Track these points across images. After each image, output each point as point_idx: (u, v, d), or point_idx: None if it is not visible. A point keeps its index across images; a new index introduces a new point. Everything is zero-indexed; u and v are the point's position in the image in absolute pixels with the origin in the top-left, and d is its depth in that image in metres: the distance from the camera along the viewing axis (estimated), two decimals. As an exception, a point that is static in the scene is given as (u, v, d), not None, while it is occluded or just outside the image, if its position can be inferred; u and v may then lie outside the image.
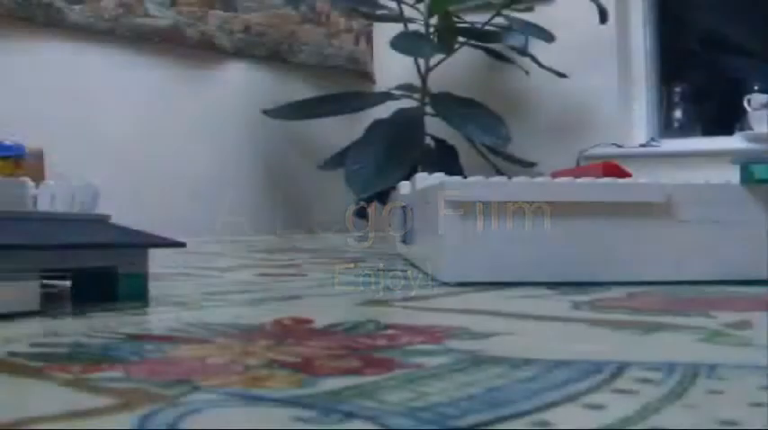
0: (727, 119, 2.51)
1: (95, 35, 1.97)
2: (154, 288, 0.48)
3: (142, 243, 0.41)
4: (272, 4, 2.33)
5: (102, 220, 0.42)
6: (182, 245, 0.45)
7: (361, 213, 2.18)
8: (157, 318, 0.35)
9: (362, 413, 0.19)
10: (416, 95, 2.27)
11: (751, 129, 2.28)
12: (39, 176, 1.69)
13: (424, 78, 2.26)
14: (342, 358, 0.26)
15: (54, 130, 1.86)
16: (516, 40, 2.09)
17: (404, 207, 0.78)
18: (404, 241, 0.77)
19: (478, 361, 0.25)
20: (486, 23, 2.18)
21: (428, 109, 2.19)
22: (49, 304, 0.39)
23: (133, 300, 0.41)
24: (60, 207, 0.44)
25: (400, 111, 2.17)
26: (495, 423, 0.18)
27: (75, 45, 1.94)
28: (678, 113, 2.58)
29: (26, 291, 0.34)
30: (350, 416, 0.18)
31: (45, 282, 0.46)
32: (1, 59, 1.82)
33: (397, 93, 2.27)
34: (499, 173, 2.12)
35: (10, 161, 0.38)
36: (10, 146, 0.39)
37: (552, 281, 0.53)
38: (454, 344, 0.28)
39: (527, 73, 2.31)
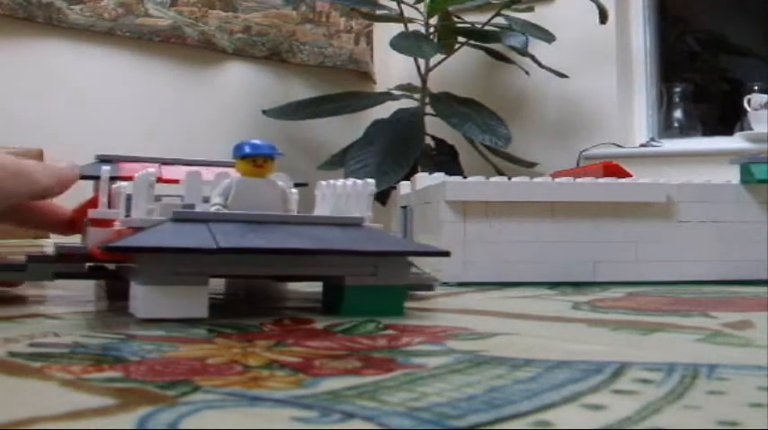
0: (727, 119, 2.51)
1: (95, 35, 1.97)
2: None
3: (388, 250, 0.35)
4: (272, 4, 2.33)
5: (357, 223, 0.37)
6: (446, 254, 0.40)
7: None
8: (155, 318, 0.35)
9: (362, 413, 0.19)
10: (416, 95, 2.27)
11: (751, 129, 2.28)
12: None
13: (424, 78, 2.26)
14: (342, 358, 0.26)
15: (54, 130, 1.86)
16: (516, 40, 2.09)
17: (404, 207, 0.78)
18: (404, 241, 0.77)
19: (479, 361, 0.25)
20: (486, 23, 2.18)
21: (428, 109, 2.19)
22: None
23: (365, 314, 0.34)
24: (331, 209, 0.41)
25: (400, 111, 2.18)
26: (495, 423, 0.18)
27: (75, 45, 1.94)
28: (678, 113, 2.58)
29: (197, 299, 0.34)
30: (350, 416, 0.18)
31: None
32: (1, 59, 1.82)
33: (397, 93, 2.27)
34: (499, 173, 2.12)
35: (249, 161, 0.36)
36: (259, 144, 0.37)
37: (552, 281, 0.53)
38: (454, 344, 0.28)
39: (527, 73, 2.31)
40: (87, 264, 0.40)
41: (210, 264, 0.34)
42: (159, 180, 0.43)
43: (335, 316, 0.35)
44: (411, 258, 0.47)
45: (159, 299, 0.33)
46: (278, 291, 0.45)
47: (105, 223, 0.40)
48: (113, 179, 0.43)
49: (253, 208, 0.36)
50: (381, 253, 0.36)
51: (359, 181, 0.42)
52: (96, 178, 0.43)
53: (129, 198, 0.38)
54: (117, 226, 0.38)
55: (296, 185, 0.44)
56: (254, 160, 0.37)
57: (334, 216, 0.40)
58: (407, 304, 0.41)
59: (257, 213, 0.36)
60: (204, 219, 0.35)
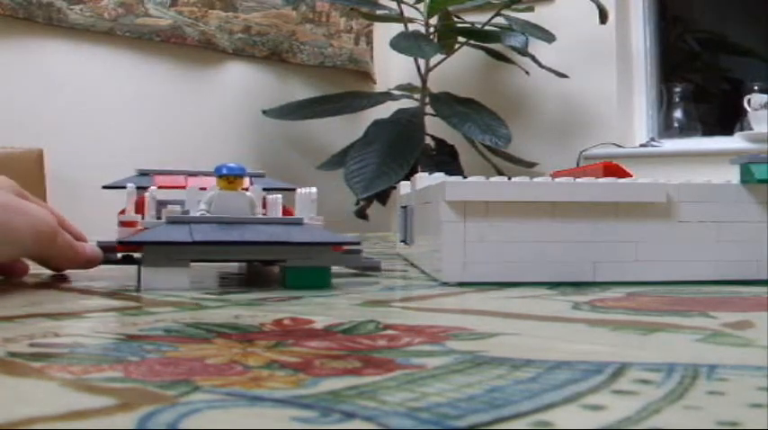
0: (727, 119, 2.51)
1: (95, 35, 1.97)
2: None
3: (311, 241, 0.49)
4: (272, 4, 2.33)
5: (298, 222, 0.51)
6: (356, 243, 0.53)
7: (361, 213, 2.18)
8: (154, 319, 0.35)
9: (362, 413, 0.19)
10: (416, 95, 2.27)
11: (751, 129, 2.28)
12: (38, 177, 1.68)
13: (424, 78, 2.26)
14: (342, 358, 0.26)
15: (54, 130, 1.86)
16: (516, 40, 2.09)
17: (404, 207, 0.78)
18: (404, 241, 0.77)
19: (479, 361, 0.25)
20: (486, 23, 2.18)
21: (428, 109, 2.19)
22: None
23: (301, 288, 0.48)
24: (303, 212, 0.57)
25: (400, 111, 2.18)
26: (495, 423, 0.18)
27: (75, 45, 1.94)
28: (678, 113, 2.58)
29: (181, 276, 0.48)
30: (350, 416, 0.18)
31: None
32: (1, 59, 1.82)
33: (397, 93, 2.27)
34: (499, 173, 2.12)
35: (223, 179, 0.50)
36: (232, 166, 0.52)
37: (552, 281, 0.53)
38: (454, 344, 0.28)
39: (527, 73, 2.31)
40: (120, 254, 0.55)
41: (190, 252, 0.48)
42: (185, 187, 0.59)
43: (286, 290, 0.48)
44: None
45: (155, 276, 0.47)
46: (267, 272, 0.60)
47: (131, 224, 0.53)
48: (145, 188, 0.57)
49: (227, 212, 0.51)
50: (310, 243, 0.49)
51: (306, 190, 0.58)
52: (140, 188, 0.57)
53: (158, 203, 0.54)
54: (138, 226, 0.53)
55: (283, 190, 0.63)
56: (228, 178, 0.51)
57: (280, 217, 0.55)
58: (408, 304, 0.41)
59: (228, 216, 0.50)
60: (188, 221, 0.49)
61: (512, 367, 0.24)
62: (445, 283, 0.52)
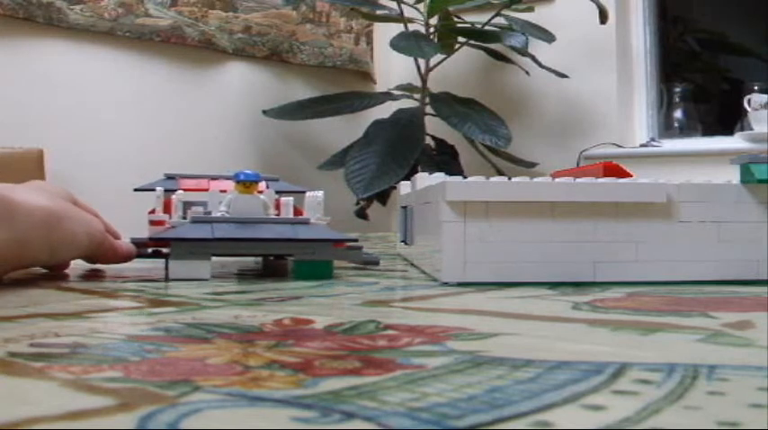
0: (727, 119, 2.51)
1: (95, 35, 1.97)
2: (151, 287, 0.48)
3: (314, 238, 0.56)
4: (272, 4, 2.32)
5: (305, 222, 0.59)
6: (355, 240, 0.59)
7: (362, 213, 2.18)
8: (155, 319, 0.35)
9: (362, 413, 0.19)
10: (416, 95, 2.27)
11: (751, 129, 2.28)
12: (38, 177, 1.68)
13: (424, 78, 2.26)
14: (342, 358, 0.26)
15: (54, 130, 1.86)
16: (516, 40, 2.09)
17: (404, 207, 0.78)
18: (404, 241, 0.77)
19: (479, 361, 0.25)
20: (486, 23, 2.18)
21: (428, 109, 2.19)
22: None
23: (307, 279, 0.55)
24: (309, 213, 0.65)
25: (400, 112, 2.17)
26: (495, 423, 0.18)
27: (75, 45, 1.94)
28: (678, 113, 2.58)
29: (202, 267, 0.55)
30: (350, 416, 0.18)
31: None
32: (1, 59, 1.82)
33: (397, 93, 2.27)
34: (499, 173, 2.12)
35: (241, 184, 0.58)
36: (248, 173, 0.59)
37: (552, 281, 0.53)
38: (454, 344, 0.28)
39: (527, 73, 2.31)
40: (150, 249, 0.62)
41: (211, 247, 0.55)
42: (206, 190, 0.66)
43: (296, 281, 0.54)
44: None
45: (180, 267, 0.54)
46: (281, 266, 0.68)
47: (159, 223, 0.61)
48: (173, 191, 0.65)
49: (243, 213, 0.58)
50: (314, 240, 0.56)
51: (313, 193, 0.66)
52: (167, 191, 0.64)
53: (183, 204, 0.63)
54: (167, 225, 0.61)
55: (294, 193, 0.69)
56: (245, 183, 0.58)
57: (289, 217, 0.63)
58: (408, 304, 0.41)
59: (244, 217, 0.57)
60: (209, 221, 0.56)
61: (512, 367, 0.24)
62: (445, 283, 0.52)
